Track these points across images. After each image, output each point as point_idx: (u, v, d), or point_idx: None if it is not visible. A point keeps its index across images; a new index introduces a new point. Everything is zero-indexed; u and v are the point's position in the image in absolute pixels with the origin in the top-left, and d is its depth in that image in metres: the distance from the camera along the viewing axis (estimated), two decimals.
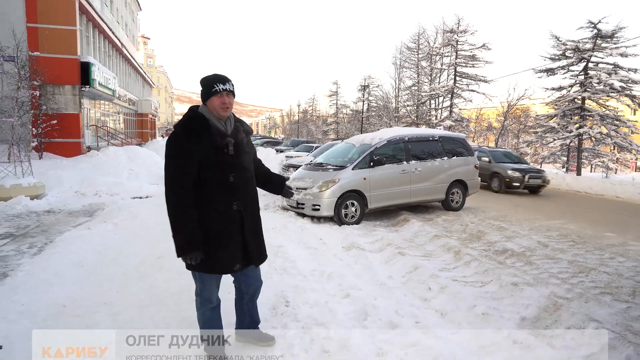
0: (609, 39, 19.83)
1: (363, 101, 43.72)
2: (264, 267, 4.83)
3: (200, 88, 2.61)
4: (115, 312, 3.56)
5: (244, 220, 2.62)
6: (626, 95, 19.48)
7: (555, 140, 20.17)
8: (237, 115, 2.77)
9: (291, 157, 16.98)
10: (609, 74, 19.77)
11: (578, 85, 20.73)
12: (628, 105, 19.72)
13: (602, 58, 20.32)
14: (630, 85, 19.35)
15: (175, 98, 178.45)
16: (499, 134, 30.17)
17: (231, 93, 2.59)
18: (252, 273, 2.84)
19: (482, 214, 9.57)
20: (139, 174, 12.80)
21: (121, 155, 14.91)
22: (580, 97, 20.22)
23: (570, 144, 20.74)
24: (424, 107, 33.30)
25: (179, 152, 2.44)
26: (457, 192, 9.79)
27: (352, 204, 8.15)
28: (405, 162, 8.93)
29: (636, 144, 19.12)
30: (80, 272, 4.58)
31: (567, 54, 20.65)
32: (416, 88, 34.99)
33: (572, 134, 19.75)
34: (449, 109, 30.22)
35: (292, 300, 3.72)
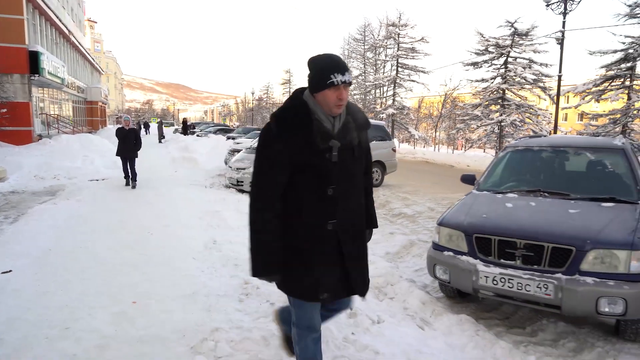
0: (524, 37, 22.32)
1: None
2: (202, 223, 6.34)
3: (309, 72, 2.00)
4: (93, 253, 4.94)
5: (342, 243, 2.04)
6: (538, 87, 22.11)
7: (479, 127, 22.61)
8: (348, 105, 2.10)
9: (239, 143, 18.29)
10: (524, 68, 22.32)
11: (500, 77, 23.17)
12: (539, 96, 22.37)
13: (519, 53, 22.82)
14: (542, 77, 21.95)
15: (126, 84, 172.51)
16: (438, 121, 32.68)
17: (349, 84, 1.98)
18: (346, 299, 2.28)
19: (397, 189, 11.42)
20: (94, 159, 13.77)
21: (74, 142, 15.72)
22: (501, 88, 22.68)
23: (496, 130, 23.24)
24: (370, 96, 35.28)
25: (268, 152, 1.98)
26: (377, 171, 11.56)
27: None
28: None
29: (547, 129, 21.78)
30: (57, 231, 5.88)
31: (489, 49, 23.01)
32: (362, 78, 36.90)
33: (493, 121, 22.21)
34: (392, 98, 32.31)
35: (218, 241, 5.27)
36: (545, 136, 5.75)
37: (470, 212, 3.95)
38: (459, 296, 4.21)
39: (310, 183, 1.98)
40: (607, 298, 3.04)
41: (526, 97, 22.57)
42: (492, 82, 23.40)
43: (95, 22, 79.78)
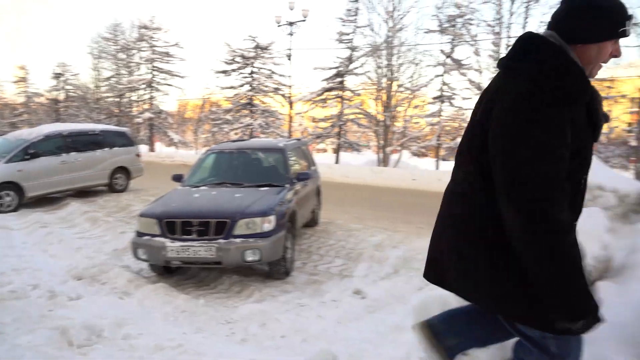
0: (265, 50, 25.36)
1: (59, 90, 40.16)
2: None
3: (583, 11, 1.39)
4: None
5: None
6: (279, 94, 25.51)
7: (230, 131, 24.70)
8: None
9: None
10: (267, 78, 25.42)
11: (248, 85, 25.69)
12: (281, 103, 25.86)
13: (263, 64, 25.80)
14: (281, 86, 25.37)
15: None
16: (197, 124, 33.71)
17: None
18: None
19: (144, 192, 11.86)
20: None
21: None
22: (248, 95, 25.22)
23: (246, 133, 25.63)
24: (125, 100, 33.69)
25: (554, 131, 1.30)
26: (121, 177, 11.75)
27: (8, 195, 9.02)
28: (64, 154, 10.26)
29: (289, 132, 25.33)
30: None
31: (236, 59, 25.26)
32: (116, 80, 34.91)
33: (243, 124, 24.57)
34: (149, 102, 31.68)
35: None
36: (244, 140, 7.35)
37: (165, 203, 5.02)
38: (166, 272, 5.21)
39: (574, 173, 1.40)
40: (250, 250, 4.51)
41: (269, 104, 25.74)
42: (241, 89, 25.75)
43: None
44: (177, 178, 6.07)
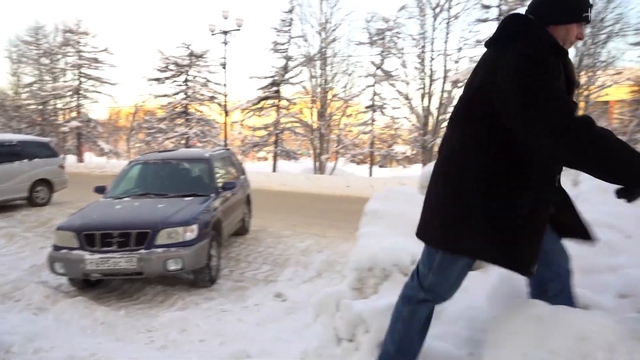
0: (200, 58, 25.06)
1: None
2: None
3: (558, 1, 1.71)
4: None
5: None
6: (215, 103, 25.26)
7: (164, 140, 24.09)
8: None
9: None
10: (203, 86, 25.10)
11: (183, 93, 25.21)
12: (217, 112, 25.61)
13: (198, 72, 25.46)
14: (217, 94, 25.13)
15: None
16: (129, 133, 32.47)
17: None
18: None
19: (69, 205, 11.32)
20: None
21: None
22: (183, 103, 24.75)
23: (182, 142, 25.09)
24: (49, 107, 31.75)
25: (546, 67, 1.56)
26: (42, 190, 11.16)
27: None
28: None
29: (225, 141, 25.09)
30: None
31: (170, 67, 24.75)
32: (39, 87, 32.81)
33: (177, 133, 24.06)
34: (76, 110, 30.10)
35: None
36: (171, 150, 7.34)
37: (84, 215, 4.96)
38: (87, 285, 5.12)
39: None
40: (172, 259, 4.58)
41: (205, 112, 25.43)
42: (176, 98, 25.22)
43: None
44: (100, 190, 5.98)
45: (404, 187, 3.73)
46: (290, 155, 23.46)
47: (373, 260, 2.77)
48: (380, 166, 23.99)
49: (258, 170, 21.35)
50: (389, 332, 2.00)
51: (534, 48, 1.59)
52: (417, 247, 2.81)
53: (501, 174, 1.64)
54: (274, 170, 21.67)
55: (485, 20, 16.94)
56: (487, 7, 16.89)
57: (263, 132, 22.96)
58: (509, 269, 1.69)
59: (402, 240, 2.83)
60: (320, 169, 20.61)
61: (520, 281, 2.20)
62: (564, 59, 1.67)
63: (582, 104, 17.50)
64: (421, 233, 1.87)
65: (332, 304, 2.70)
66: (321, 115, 20.49)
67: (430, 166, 4.52)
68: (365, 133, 21.07)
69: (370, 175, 20.78)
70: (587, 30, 15.43)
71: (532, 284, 1.92)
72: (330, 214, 10.40)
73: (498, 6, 16.68)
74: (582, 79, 16.89)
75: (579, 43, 16.09)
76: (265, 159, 31.88)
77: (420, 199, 3.36)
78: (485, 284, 2.50)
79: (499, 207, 1.63)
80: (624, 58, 23.77)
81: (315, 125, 21.00)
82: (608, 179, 1.48)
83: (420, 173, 3.89)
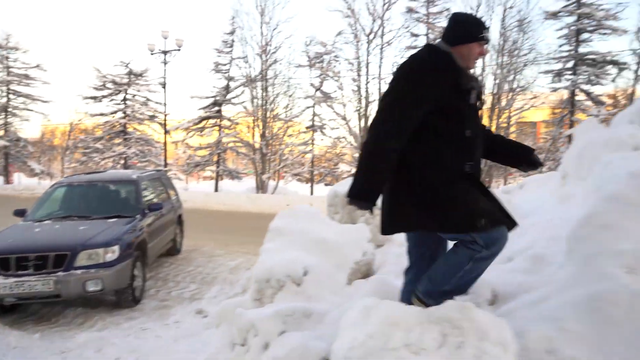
0: (139, 77, 24.67)
1: None
2: None
3: (454, 25, 2.12)
4: None
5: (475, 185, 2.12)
6: (155, 122, 24.84)
7: (101, 160, 23.35)
8: None
9: None
10: (142, 105, 24.68)
11: (121, 112, 24.61)
12: (157, 131, 25.16)
13: (138, 91, 25.00)
14: (157, 114, 24.74)
15: None
16: (64, 153, 31.06)
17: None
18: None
19: None
20: None
21: None
22: (121, 122, 24.17)
23: (120, 162, 24.37)
24: None
25: (415, 86, 1.97)
26: None
27: None
28: None
29: (165, 161, 24.65)
30: None
31: (107, 85, 24.17)
32: None
33: (115, 153, 23.41)
34: (4, 128, 28.45)
35: None
36: (97, 172, 7.32)
37: (0, 239, 4.90)
38: (3, 311, 5.02)
39: (451, 126, 2.02)
40: (91, 281, 4.64)
41: (145, 132, 24.93)
42: (114, 117, 24.58)
43: None
44: (20, 213, 5.89)
45: (308, 206, 4.08)
46: (233, 175, 23.46)
47: (270, 272, 3.08)
48: (326, 184, 24.50)
49: (199, 190, 21.20)
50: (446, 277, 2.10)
51: (415, 59, 2.09)
52: (309, 260, 3.18)
53: (425, 164, 2.03)
54: (216, 189, 21.59)
55: (414, 47, 18.11)
56: (415, 35, 18.12)
57: (205, 152, 22.86)
58: (455, 233, 2.03)
59: (297, 254, 3.17)
60: (262, 188, 20.79)
61: (391, 285, 2.62)
62: (459, 72, 2.04)
63: (504, 124, 19.06)
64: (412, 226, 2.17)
65: (231, 313, 2.97)
66: (263, 135, 20.77)
67: (337, 186, 4.93)
68: (306, 153, 21.56)
69: (312, 193, 21.22)
70: (505, 58, 17.55)
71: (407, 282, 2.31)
72: (265, 232, 10.60)
73: (426, 34, 17.96)
74: (503, 102, 18.43)
75: (498, 70, 17.77)
76: (212, 178, 31.62)
77: (321, 217, 3.75)
78: (365, 289, 2.90)
79: (426, 190, 2.01)
80: (538, 84, 26.06)
81: (257, 145, 21.22)
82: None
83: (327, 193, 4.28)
